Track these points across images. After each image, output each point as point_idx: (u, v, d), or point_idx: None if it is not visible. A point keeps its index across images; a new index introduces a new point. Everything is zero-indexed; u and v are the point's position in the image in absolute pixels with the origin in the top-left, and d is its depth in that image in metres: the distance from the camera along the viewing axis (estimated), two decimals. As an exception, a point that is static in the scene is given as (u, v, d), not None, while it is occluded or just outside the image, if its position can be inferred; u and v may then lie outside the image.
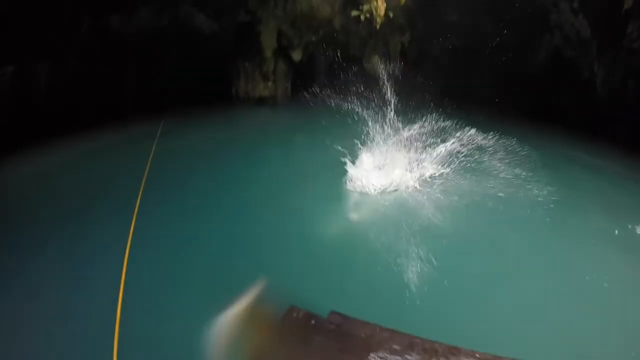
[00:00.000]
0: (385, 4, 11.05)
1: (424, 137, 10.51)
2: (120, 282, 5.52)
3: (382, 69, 15.21)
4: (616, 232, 7.47)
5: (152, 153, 9.94)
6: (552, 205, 8.08)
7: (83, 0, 11.26)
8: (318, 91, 15.90)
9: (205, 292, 5.34)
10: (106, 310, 5.00)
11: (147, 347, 4.53)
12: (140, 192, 8.10)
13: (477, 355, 4.13)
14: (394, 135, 10.54)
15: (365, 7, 11.18)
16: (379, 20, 11.21)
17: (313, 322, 4.27)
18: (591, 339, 4.94)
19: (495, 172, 9.20)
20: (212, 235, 7.00)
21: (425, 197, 8.34)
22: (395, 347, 4.03)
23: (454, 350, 4.09)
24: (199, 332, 4.37)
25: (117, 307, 5.07)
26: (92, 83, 12.51)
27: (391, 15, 11.40)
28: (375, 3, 11.13)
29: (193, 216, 7.63)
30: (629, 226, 7.66)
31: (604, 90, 14.01)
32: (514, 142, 10.74)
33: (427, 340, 4.23)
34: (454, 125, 11.43)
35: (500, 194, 8.30)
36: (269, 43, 14.47)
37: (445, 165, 9.35)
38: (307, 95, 15.40)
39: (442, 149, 9.50)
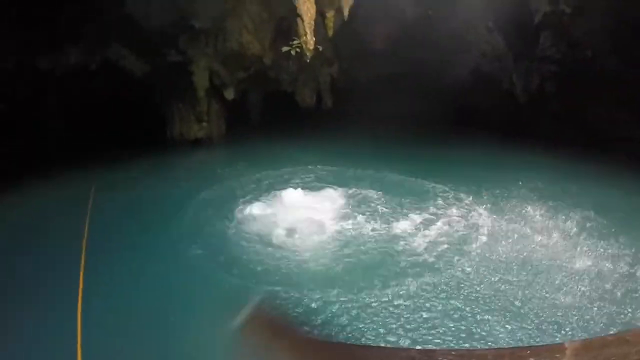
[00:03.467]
0: (314, 38, 11.36)
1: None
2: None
3: (313, 102, 15.67)
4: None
5: (88, 216, 9.56)
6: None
7: (10, 39, 10.90)
8: (252, 128, 16.10)
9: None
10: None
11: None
12: (83, 258, 7.78)
13: (453, 352, 4.30)
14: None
15: (295, 42, 11.43)
16: (308, 54, 11.47)
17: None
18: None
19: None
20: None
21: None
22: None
23: (430, 352, 4.22)
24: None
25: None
26: (17, 128, 12.08)
27: (320, 48, 11.73)
28: (304, 38, 11.42)
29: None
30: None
31: (524, 96, 15.21)
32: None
33: (402, 349, 4.37)
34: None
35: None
36: (201, 83, 14.48)
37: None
38: (242, 134, 15.54)
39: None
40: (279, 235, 8.22)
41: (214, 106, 15.33)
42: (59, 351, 5.37)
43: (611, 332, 4.18)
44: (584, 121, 14.09)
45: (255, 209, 9.49)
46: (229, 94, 15.21)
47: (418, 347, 4.44)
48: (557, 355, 3.90)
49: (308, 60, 12.23)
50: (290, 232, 8.28)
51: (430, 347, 4.78)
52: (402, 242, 7.95)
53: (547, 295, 6.12)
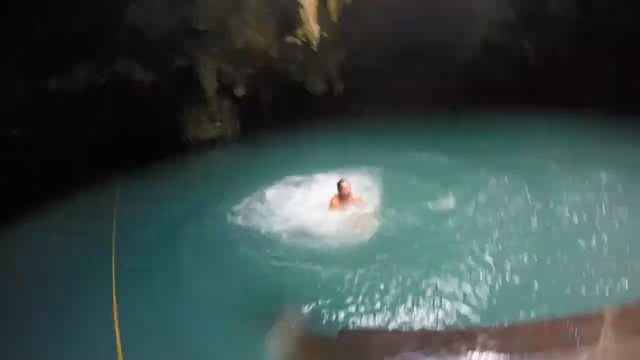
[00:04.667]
0: (318, 26, 11.24)
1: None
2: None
3: (324, 89, 15.53)
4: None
5: (113, 226, 9.58)
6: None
7: (19, 64, 10.96)
8: (266, 123, 16.05)
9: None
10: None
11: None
12: (114, 267, 7.81)
13: (494, 328, 4.19)
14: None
15: (300, 32, 11.34)
16: (314, 42, 11.39)
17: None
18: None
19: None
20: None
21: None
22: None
23: (470, 332, 4.10)
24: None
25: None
26: (38, 148, 12.18)
27: (326, 35, 11.60)
28: (308, 26, 11.31)
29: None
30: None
31: (538, 63, 14.83)
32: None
33: (441, 332, 4.27)
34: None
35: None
36: (210, 83, 14.44)
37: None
38: (256, 130, 15.49)
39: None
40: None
41: (225, 105, 15.30)
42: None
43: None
44: (603, 82, 13.69)
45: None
46: (239, 92, 15.16)
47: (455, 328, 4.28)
48: (597, 323, 3.80)
49: (315, 49, 12.13)
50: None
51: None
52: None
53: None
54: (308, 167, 11.35)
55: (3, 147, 11.27)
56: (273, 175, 11.01)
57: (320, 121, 15.87)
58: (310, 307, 5.43)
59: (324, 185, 9.40)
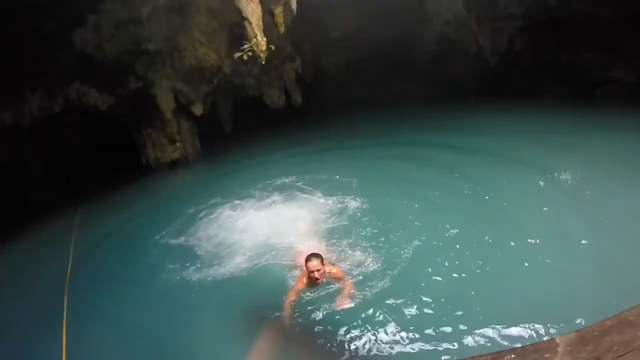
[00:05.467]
0: (265, 39, 11.10)
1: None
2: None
3: (282, 101, 15.44)
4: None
5: (70, 258, 9.43)
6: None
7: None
8: (227, 140, 15.90)
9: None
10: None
11: None
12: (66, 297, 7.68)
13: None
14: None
15: (246, 46, 11.18)
16: (262, 55, 11.23)
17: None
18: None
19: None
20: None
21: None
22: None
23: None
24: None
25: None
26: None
27: (273, 47, 11.47)
28: (255, 40, 11.17)
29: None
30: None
31: (494, 58, 14.87)
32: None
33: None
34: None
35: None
36: (166, 104, 14.29)
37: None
38: (217, 148, 15.33)
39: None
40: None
41: (184, 125, 15.15)
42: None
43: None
44: (559, 71, 13.77)
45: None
46: (198, 110, 15.01)
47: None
48: (547, 355, 3.40)
49: (263, 62, 12.01)
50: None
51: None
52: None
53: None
54: (271, 183, 11.33)
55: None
56: (236, 194, 10.95)
57: (281, 133, 15.81)
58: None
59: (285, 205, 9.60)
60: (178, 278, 7.47)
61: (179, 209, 11.16)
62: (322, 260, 5.95)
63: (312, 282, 6.01)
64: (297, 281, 6.25)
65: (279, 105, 15.81)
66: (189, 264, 7.86)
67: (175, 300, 6.96)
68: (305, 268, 6.00)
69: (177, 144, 15.13)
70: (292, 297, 5.96)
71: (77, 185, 13.40)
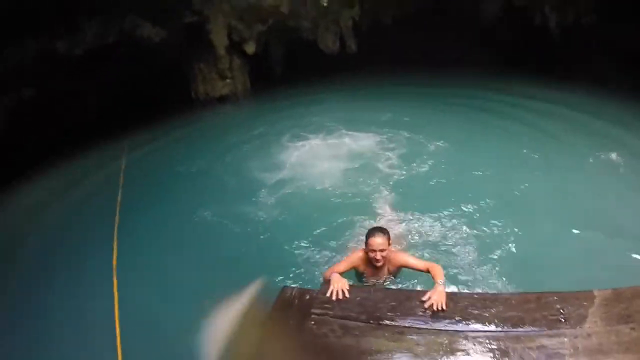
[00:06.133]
0: (329, -18, 10.90)
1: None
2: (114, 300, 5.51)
3: (337, 47, 15.24)
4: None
5: (121, 178, 9.77)
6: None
7: (26, 28, 10.85)
8: (277, 81, 15.88)
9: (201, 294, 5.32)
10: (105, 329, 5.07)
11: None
12: (117, 215, 8.02)
13: (475, 296, 4.15)
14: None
15: (310, -12, 11.01)
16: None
17: (308, 297, 4.21)
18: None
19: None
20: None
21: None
22: (393, 304, 4.00)
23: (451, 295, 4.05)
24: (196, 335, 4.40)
25: (116, 325, 5.08)
26: (48, 111, 12.20)
27: (336, -10, 11.27)
28: (319, -18, 10.99)
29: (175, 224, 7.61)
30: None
31: (558, 30, 14.20)
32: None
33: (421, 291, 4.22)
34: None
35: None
36: (220, 40, 14.23)
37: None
38: (267, 88, 15.36)
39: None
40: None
41: (236, 62, 15.14)
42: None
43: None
44: (627, 54, 13.01)
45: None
46: (250, 49, 14.92)
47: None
48: (585, 303, 3.71)
49: (325, 4, 11.80)
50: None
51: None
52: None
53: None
54: (320, 125, 11.51)
55: (10, 109, 11.31)
56: (286, 133, 11.31)
57: (333, 79, 15.68)
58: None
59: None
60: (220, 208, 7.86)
61: (225, 141, 11.48)
62: (388, 239, 4.68)
63: (369, 266, 4.85)
64: (347, 257, 5.03)
65: (333, 50, 15.56)
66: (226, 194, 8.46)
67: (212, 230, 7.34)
68: (367, 248, 4.67)
69: (228, 80, 15.19)
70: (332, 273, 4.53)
71: (129, 117, 13.56)
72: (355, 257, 4.88)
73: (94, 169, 11.13)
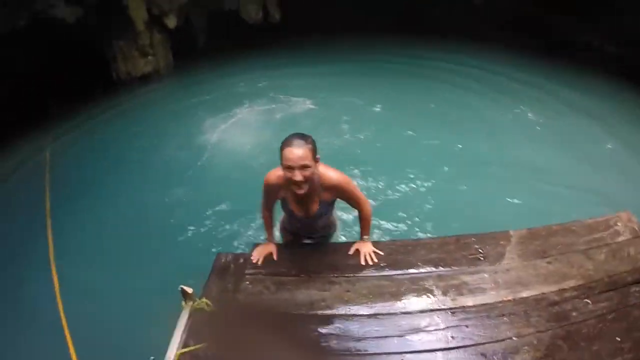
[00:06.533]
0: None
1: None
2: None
3: (260, 17, 15.05)
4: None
5: (46, 170, 9.42)
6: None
7: None
8: (200, 55, 15.52)
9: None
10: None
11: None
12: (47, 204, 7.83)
13: (398, 243, 4.53)
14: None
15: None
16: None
17: (242, 260, 4.34)
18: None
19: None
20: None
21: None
22: (320, 257, 4.26)
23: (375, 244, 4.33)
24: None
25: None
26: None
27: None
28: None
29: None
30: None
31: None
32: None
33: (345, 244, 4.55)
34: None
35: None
36: (138, 15, 13.57)
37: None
38: (191, 62, 15.01)
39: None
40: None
41: (156, 37, 14.53)
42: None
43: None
44: (541, 28, 13.71)
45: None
46: (171, 22, 14.38)
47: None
48: (502, 242, 4.19)
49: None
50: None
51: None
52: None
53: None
54: (248, 94, 11.99)
55: None
56: (211, 105, 11.61)
57: (258, 50, 15.47)
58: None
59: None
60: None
61: (149, 121, 11.56)
62: (312, 150, 3.29)
63: (292, 195, 3.64)
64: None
65: (256, 20, 15.34)
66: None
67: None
68: (284, 168, 3.33)
69: (150, 57, 14.62)
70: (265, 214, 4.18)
71: (49, 103, 12.88)
72: (271, 179, 3.65)
73: (16, 165, 10.54)
